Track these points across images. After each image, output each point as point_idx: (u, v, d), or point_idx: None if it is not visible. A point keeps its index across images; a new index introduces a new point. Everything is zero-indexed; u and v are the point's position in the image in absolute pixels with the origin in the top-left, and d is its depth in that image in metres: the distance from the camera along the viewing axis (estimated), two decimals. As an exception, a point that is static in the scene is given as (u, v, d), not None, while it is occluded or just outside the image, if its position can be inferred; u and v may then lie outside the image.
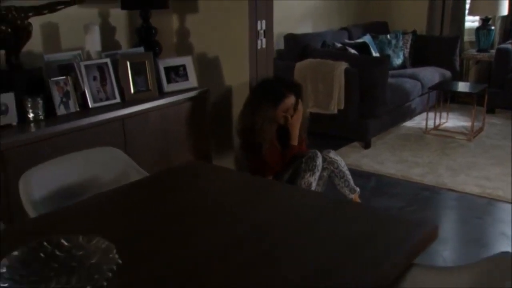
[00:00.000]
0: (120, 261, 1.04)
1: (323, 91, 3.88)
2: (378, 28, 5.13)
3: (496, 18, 5.05)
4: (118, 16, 2.69)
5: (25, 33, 2.10)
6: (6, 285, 1.01)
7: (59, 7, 2.22)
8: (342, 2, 5.00)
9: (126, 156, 1.78)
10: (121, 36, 2.73)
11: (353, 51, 4.21)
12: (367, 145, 3.87)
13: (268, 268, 1.06)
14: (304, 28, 4.56)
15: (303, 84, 3.85)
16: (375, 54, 4.53)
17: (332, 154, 2.62)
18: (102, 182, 1.71)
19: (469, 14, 5.07)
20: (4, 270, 1.04)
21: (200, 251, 1.15)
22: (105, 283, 0.99)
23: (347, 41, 4.56)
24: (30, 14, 2.12)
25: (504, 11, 4.85)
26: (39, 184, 1.56)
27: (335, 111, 3.83)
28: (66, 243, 1.15)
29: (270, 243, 1.18)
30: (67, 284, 1.07)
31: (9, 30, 2.04)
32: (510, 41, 4.87)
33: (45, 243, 1.13)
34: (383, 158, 3.62)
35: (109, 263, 1.05)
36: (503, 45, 4.73)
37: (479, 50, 5.03)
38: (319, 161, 2.53)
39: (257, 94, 2.50)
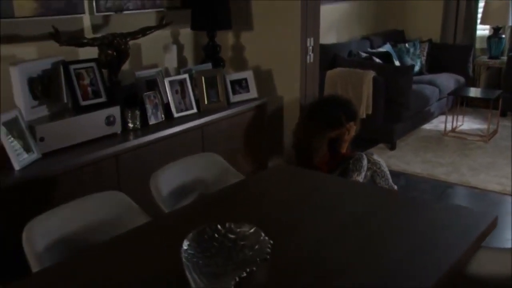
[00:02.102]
0: (271, 242, 1.41)
1: (352, 98, 4.24)
2: (396, 36, 5.51)
3: (506, 27, 5.44)
4: (186, 35, 3.06)
5: (125, 55, 2.46)
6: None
7: (148, 32, 2.59)
8: (362, 12, 5.38)
9: (224, 161, 2.15)
10: (188, 53, 3.10)
11: (377, 60, 4.59)
12: (392, 147, 4.26)
13: (368, 252, 1.39)
14: (330, 38, 4.93)
15: (334, 91, 4.25)
16: (396, 62, 4.91)
17: (375, 156, 3.00)
18: (207, 183, 2.08)
19: (481, 23, 5.45)
20: (186, 247, 1.41)
21: (309, 238, 1.48)
22: (266, 257, 1.35)
23: (370, 50, 4.93)
24: (128, 39, 2.48)
25: (514, 21, 5.24)
26: (166, 183, 1.93)
27: (364, 116, 4.21)
28: (221, 228, 1.51)
29: (366, 231, 1.54)
30: (228, 260, 1.43)
31: (114, 53, 2.40)
32: (519, 49, 5.27)
33: (207, 228, 1.50)
34: (409, 159, 4.01)
35: (262, 244, 1.41)
36: (514, 53, 5.12)
37: (490, 57, 5.42)
38: (365, 162, 2.91)
39: (317, 115, 2.84)
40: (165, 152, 2.48)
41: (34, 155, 2.07)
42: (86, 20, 2.53)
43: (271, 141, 3.30)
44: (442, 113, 4.87)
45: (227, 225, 1.49)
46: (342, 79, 4.29)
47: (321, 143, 2.88)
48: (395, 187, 3.03)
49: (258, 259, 1.33)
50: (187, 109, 2.70)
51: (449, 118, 4.65)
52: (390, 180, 3.06)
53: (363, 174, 2.94)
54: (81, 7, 2.45)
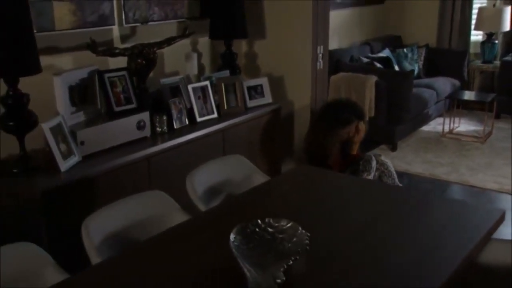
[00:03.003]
0: (309, 234, 1.58)
1: (356, 101, 4.46)
2: (394, 42, 5.73)
3: (498, 33, 5.68)
4: (204, 44, 3.23)
5: (153, 63, 2.63)
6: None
7: (173, 41, 2.76)
8: (362, 18, 5.58)
9: (250, 163, 2.33)
10: (206, 60, 3.27)
11: (378, 65, 4.80)
12: (394, 148, 4.47)
13: (389, 245, 1.57)
14: (332, 44, 5.11)
15: (338, 95, 4.45)
16: (395, 66, 5.13)
17: (383, 157, 3.20)
18: (236, 182, 2.25)
19: (475, 29, 5.69)
20: (233, 239, 1.59)
21: (333, 233, 1.65)
22: (306, 248, 1.52)
23: (370, 55, 5.14)
24: (155, 48, 2.65)
25: (506, 27, 5.49)
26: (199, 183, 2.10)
27: (366, 118, 4.41)
28: (261, 223, 1.69)
29: (386, 226, 1.71)
30: (269, 251, 1.60)
31: (143, 62, 2.57)
32: (512, 54, 5.52)
33: (249, 223, 1.67)
34: (410, 159, 4.22)
35: (300, 237, 1.59)
36: (507, 58, 5.37)
37: (484, 62, 5.66)
38: (374, 163, 3.10)
39: (327, 116, 3.05)
40: (190, 155, 2.65)
41: (76, 158, 2.23)
42: (116, 31, 2.69)
43: (282, 144, 3.48)
44: (439, 115, 5.10)
45: (266, 220, 1.65)
46: (345, 83, 4.49)
47: (333, 143, 3.07)
48: (401, 186, 3.23)
49: (299, 249, 1.50)
50: (208, 114, 2.87)
51: (446, 120, 4.87)
52: (396, 180, 3.26)
53: (372, 174, 3.13)
54: (112, 19, 2.62)
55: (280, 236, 1.62)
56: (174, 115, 2.70)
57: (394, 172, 3.26)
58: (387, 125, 4.40)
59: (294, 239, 1.57)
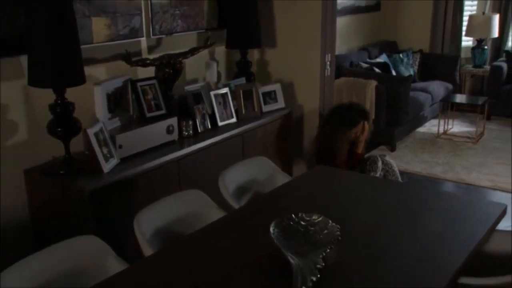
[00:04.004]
0: (339, 226, 1.81)
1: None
2: (389, 47, 6.01)
3: (488, 39, 5.99)
4: (220, 53, 3.45)
5: (180, 72, 2.84)
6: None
7: (196, 52, 2.98)
8: (359, 25, 5.84)
9: (273, 164, 2.56)
10: (222, 68, 3.49)
11: (377, 70, 5.07)
12: (393, 148, 4.73)
13: (408, 234, 1.80)
14: (332, 49, 5.38)
15: (340, 99, 4.70)
16: (393, 71, 5.40)
17: (387, 158, 3.46)
18: (261, 182, 2.47)
19: (466, 35, 6.00)
20: (272, 231, 1.80)
21: (356, 225, 1.87)
22: (338, 238, 1.75)
23: (369, 60, 5.41)
24: (181, 58, 2.86)
25: (495, 33, 5.80)
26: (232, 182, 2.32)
27: (371, 119, 4.67)
28: (294, 217, 1.91)
29: (404, 218, 1.95)
30: (305, 242, 1.82)
31: (171, 71, 2.78)
32: (501, 59, 5.84)
33: (284, 218, 1.89)
34: (408, 159, 4.48)
35: (331, 229, 1.81)
36: (496, 63, 5.68)
37: (475, 66, 5.97)
38: (380, 163, 3.36)
39: (335, 118, 3.31)
40: (214, 156, 2.87)
41: (115, 160, 2.43)
42: (143, 42, 2.90)
43: (292, 145, 3.71)
44: (434, 117, 5.38)
45: (299, 215, 1.88)
46: (347, 88, 4.74)
47: (342, 143, 3.32)
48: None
49: (333, 239, 1.73)
50: (228, 118, 3.09)
51: (441, 121, 5.15)
52: (400, 178, 3.52)
53: (378, 173, 3.38)
54: (141, 32, 2.83)
55: (312, 228, 1.84)
56: (198, 120, 2.91)
57: (397, 172, 3.52)
58: (386, 127, 4.66)
59: (325, 231, 1.79)
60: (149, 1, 2.84)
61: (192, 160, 2.76)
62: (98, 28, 2.58)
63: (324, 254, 1.63)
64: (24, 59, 2.26)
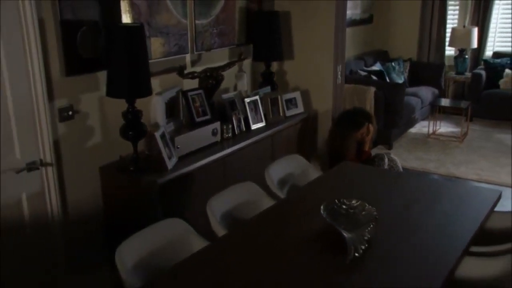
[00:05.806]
0: (375, 208, 2.29)
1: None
2: (382, 56, 6.59)
3: (468, 49, 6.63)
4: (247, 65, 3.92)
5: (220, 82, 3.30)
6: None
7: (232, 65, 3.44)
8: (354, 36, 6.38)
9: (306, 161, 3.04)
10: (247, 78, 3.96)
11: (374, 77, 5.61)
12: (390, 147, 5.28)
13: (425, 216, 2.32)
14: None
15: (343, 103, 5.21)
16: (387, 78, 5.96)
17: (392, 155, 3.98)
18: (297, 176, 2.95)
19: (449, 45, 6.63)
20: (322, 212, 2.28)
21: (386, 208, 2.36)
22: (376, 217, 2.23)
23: (366, 68, 5.95)
24: (220, 71, 3.32)
25: (474, 44, 6.43)
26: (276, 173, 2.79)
27: (375, 121, 5.21)
28: (337, 201, 2.39)
29: (420, 205, 2.44)
30: (348, 222, 2.28)
31: (214, 82, 3.24)
32: (480, 67, 6.47)
33: (328, 202, 2.36)
34: (405, 157, 5.03)
35: (368, 211, 2.29)
36: (476, 71, 6.32)
37: (457, 73, 6.60)
38: (386, 160, 3.89)
39: (343, 122, 3.82)
40: (250, 155, 3.33)
41: (174, 159, 2.87)
42: (188, 57, 3.35)
43: (308, 145, 4.21)
44: (423, 119, 5.96)
45: (341, 199, 2.35)
46: (348, 94, 5.26)
47: (350, 143, 3.83)
48: (405, 178, 4.02)
49: (372, 218, 2.21)
50: (258, 122, 3.56)
51: (430, 123, 5.73)
52: (402, 173, 4.05)
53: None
54: (187, 49, 3.27)
55: (352, 211, 2.31)
56: (235, 124, 3.38)
57: (401, 167, 4.06)
58: (384, 128, 5.21)
59: (363, 212, 2.27)
60: (193, 23, 3.29)
61: (233, 158, 3.22)
62: (155, 46, 3.02)
63: (368, 229, 2.10)
64: (100, 75, 2.68)
